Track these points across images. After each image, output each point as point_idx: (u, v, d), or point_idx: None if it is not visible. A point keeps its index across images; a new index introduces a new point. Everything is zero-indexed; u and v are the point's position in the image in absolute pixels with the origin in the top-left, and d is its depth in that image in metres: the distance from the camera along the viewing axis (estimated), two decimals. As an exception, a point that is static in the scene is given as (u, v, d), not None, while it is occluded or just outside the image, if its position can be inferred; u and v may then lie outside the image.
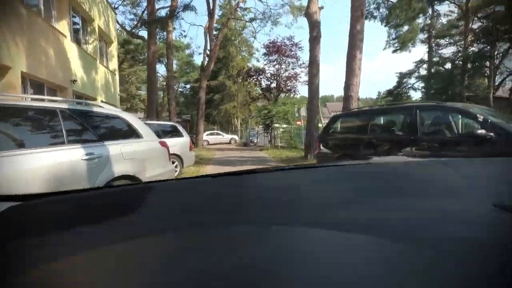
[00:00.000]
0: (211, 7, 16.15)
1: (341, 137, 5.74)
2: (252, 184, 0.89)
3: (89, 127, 2.92)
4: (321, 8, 9.32)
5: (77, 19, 11.07)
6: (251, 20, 19.35)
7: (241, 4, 18.30)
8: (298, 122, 17.00)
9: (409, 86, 22.31)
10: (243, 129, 29.50)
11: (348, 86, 7.52)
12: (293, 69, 16.77)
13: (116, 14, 16.22)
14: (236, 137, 27.37)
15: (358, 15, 7.31)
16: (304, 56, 57.33)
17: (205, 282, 0.36)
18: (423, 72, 22.64)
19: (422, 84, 22.42)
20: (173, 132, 7.01)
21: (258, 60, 44.76)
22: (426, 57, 22.45)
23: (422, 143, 4.18)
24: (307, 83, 17.20)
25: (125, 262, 0.43)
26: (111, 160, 2.97)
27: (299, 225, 0.53)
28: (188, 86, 39.81)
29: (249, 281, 0.36)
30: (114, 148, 3.06)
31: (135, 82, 32.30)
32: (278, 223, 0.55)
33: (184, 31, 31.93)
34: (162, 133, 6.74)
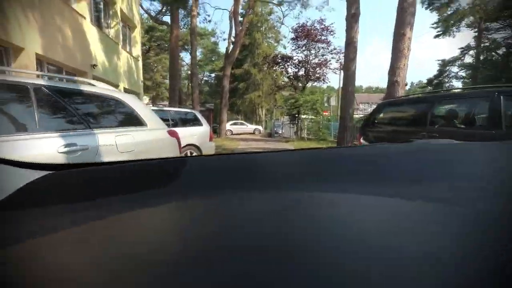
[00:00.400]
0: (237, -11, 15.22)
1: (389, 130, 4.74)
2: (271, 161, 0.86)
3: (73, 110, 2.24)
4: (361, -20, 8.13)
5: (98, 1, 10.65)
6: (279, 3, 18.20)
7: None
8: (325, 113, 15.89)
9: (453, 74, 20.15)
10: (267, 120, 28.60)
11: (394, 69, 6.39)
12: (323, 55, 15.54)
13: (140, -2, 15.78)
14: (260, 127, 26.59)
15: (409, -17, 6.11)
16: (336, 41, 53.99)
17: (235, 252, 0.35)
18: (468, 59, 20.39)
19: (465, 73, 20.22)
20: (192, 121, 6.32)
21: (285, 47, 42.87)
22: (473, 43, 20.13)
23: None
24: (337, 70, 15.96)
25: (145, 231, 0.44)
26: (100, 154, 2.28)
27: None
28: (213, 75, 39.45)
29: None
30: (106, 137, 2.36)
31: (160, 71, 32.31)
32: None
33: (208, 15, 31.19)
34: (179, 121, 6.09)
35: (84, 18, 8.88)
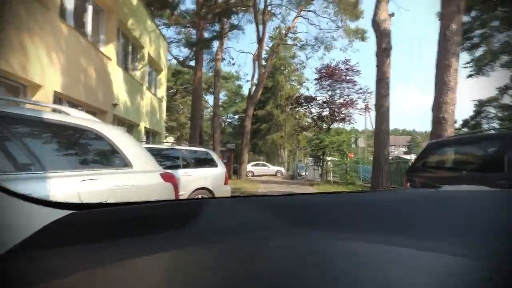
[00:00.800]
0: (261, 34, 15.62)
1: (446, 176, 3.77)
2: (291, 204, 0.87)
3: (23, 145, 1.62)
4: (391, 15, 7.75)
5: (126, 44, 11.07)
6: (302, 47, 18.50)
7: (292, 30, 17.56)
8: (350, 155, 14.85)
9: (492, 115, 18.68)
10: (290, 161, 27.73)
11: (439, 105, 5.54)
12: (348, 95, 15.01)
13: (168, 43, 16.59)
14: (282, 169, 25.69)
15: (453, 10, 5.51)
16: (362, 81, 52.34)
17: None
18: (507, 100, 18.97)
19: (502, 114, 18.68)
20: (207, 161, 5.68)
21: (308, 89, 43.16)
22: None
23: None
24: (363, 111, 15.25)
25: (163, 275, 0.45)
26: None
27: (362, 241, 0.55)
28: (236, 116, 40.14)
29: None
30: (66, 183, 1.70)
31: (186, 112, 33.31)
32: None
33: (232, 58, 32.66)
34: (192, 161, 5.47)
35: (110, 59, 9.07)
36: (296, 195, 0.98)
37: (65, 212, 0.65)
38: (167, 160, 5.03)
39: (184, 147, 5.72)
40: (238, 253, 0.51)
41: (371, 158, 14.56)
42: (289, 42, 19.56)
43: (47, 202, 0.67)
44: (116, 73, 9.55)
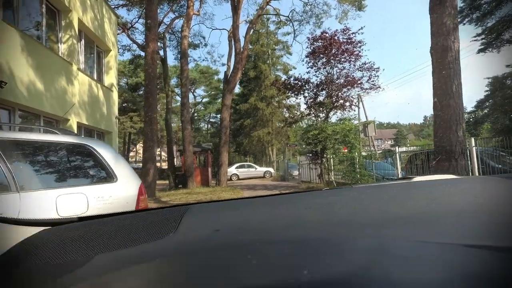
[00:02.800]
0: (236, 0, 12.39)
1: None
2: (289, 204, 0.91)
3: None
4: None
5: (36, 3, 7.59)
6: (288, 19, 15.32)
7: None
8: (344, 149, 11.84)
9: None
10: (279, 160, 24.62)
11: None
12: (348, 74, 11.89)
13: (118, 18, 13.10)
14: (271, 169, 22.54)
15: None
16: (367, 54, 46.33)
17: None
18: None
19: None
20: (87, 169, 2.35)
21: (294, 68, 38.74)
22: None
23: None
24: (371, 91, 12.23)
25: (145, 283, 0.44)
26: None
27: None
28: (219, 116, 36.77)
29: None
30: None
31: (160, 111, 29.64)
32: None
33: (203, 37, 28.21)
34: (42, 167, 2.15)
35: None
36: (279, 195, 1.11)
37: (37, 229, 0.66)
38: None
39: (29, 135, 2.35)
40: (224, 261, 0.48)
41: (374, 153, 11.61)
42: (272, 12, 16.37)
43: (17, 221, 0.67)
44: (8, 36, 6.10)
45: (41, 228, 0.66)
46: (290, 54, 28.82)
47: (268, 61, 26.31)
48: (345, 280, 0.37)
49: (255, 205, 0.90)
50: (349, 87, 11.73)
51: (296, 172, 20.00)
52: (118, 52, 14.54)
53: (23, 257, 0.56)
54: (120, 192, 2.10)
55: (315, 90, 12.39)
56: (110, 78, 11.52)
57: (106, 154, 2.13)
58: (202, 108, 37.57)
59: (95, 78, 10.43)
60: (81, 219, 0.74)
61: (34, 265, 0.52)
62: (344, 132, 10.11)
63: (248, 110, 25.32)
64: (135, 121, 25.86)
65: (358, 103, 19.04)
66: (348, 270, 0.40)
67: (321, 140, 10.68)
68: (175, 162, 14.74)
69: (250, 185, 14.46)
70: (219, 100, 34.15)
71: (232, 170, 21.04)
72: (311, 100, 12.27)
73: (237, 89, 29.60)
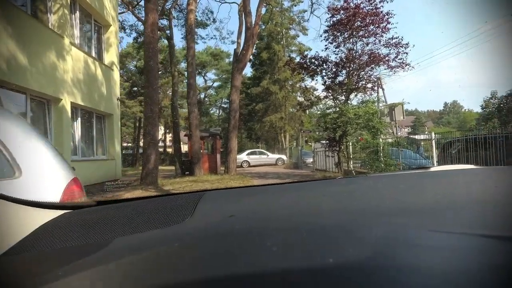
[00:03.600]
0: (247, -31, 11.12)
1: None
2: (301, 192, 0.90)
3: None
4: None
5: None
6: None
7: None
8: (360, 138, 10.67)
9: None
10: (292, 147, 23.56)
11: None
12: (370, 52, 10.52)
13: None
14: (284, 156, 21.55)
15: None
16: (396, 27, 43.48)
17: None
18: None
19: None
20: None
21: (308, 49, 34.29)
22: None
23: None
24: (399, 69, 10.85)
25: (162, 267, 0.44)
26: None
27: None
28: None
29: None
30: None
31: (169, 95, 28.83)
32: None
33: (211, 12, 25.01)
34: None
35: None
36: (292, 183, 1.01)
37: (58, 213, 0.68)
38: None
39: None
40: (239, 246, 0.48)
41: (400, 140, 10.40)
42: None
43: (39, 204, 0.67)
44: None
45: (61, 212, 0.68)
46: (306, 34, 27.07)
47: (282, 42, 24.80)
48: (359, 266, 0.37)
49: (270, 192, 0.92)
50: (373, 65, 10.41)
51: (309, 160, 19.01)
52: (125, 32, 13.61)
53: (48, 239, 0.57)
54: (24, 193, 1.21)
55: (334, 69, 11.13)
56: (111, 56, 10.64)
57: (6, 132, 1.26)
58: (214, 93, 36.50)
59: (93, 55, 9.56)
60: (99, 203, 0.77)
61: (59, 247, 0.54)
62: (368, 116, 8.92)
63: (260, 94, 24.13)
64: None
65: (378, 86, 17.57)
66: (363, 257, 0.40)
67: (340, 125, 9.54)
68: (181, 147, 13.95)
69: (261, 173, 13.56)
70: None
71: (243, 156, 20.22)
72: (330, 79, 11.02)
73: (249, 72, 28.35)
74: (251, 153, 20.80)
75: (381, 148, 9.06)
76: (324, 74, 11.33)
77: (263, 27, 24.70)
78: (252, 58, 26.51)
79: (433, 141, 6.94)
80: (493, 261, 0.38)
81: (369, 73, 10.57)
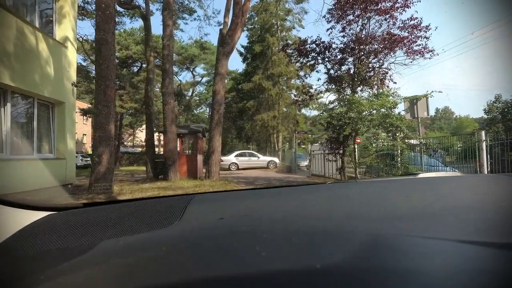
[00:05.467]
0: None
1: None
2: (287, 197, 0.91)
3: None
4: None
5: None
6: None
7: None
8: (357, 140, 8.86)
9: None
10: (285, 149, 21.69)
11: None
12: (383, 34, 8.68)
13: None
14: (276, 159, 19.63)
15: None
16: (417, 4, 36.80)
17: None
18: None
19: None
20: None
21: (302, 27, 30.44)
22: None
23: None
24: (419, 56, 9.03)
25: (146, 268, 0.43)
26: None
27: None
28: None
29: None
30: None
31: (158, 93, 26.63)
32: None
33: None
34: None
35: None
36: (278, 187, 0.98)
37: (43, 214, 0.66)
38: None
39: None
40: (227, 249, 0.48)
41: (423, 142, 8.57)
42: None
43: (23, 204, 0.66)
44: None
45: (46, 213, 0.66)
46: (303, 27, 25.26)
47: (276, 34, 22.92)
48: (346, 271, 0.37)
49: (260, 196, 0.92)
50: (388, 51, 8.56)
51: (304, 163, 17.19)
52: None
53: (32, 240, 0.56)
54: None
55: (339, 56, 9.26)
56: (64, 29, 8.51)
57: None
58: (204, 90, 34.22)
59: (36, 24, 7.45)
60: (86, 205, 0.76)
61: (43, 249, 0.52)
62: (385, 111, 7.04)
63: (251, 90, 22.15)
64: (125, 100, 22.90)
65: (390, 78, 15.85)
66: (349, 262, 0.40)
67: (348, 122, 7.64)
68: (155, 146, 11.85)
69: (250, 178, 11.59)
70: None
71: (231, 158, 18.26)
72: (336, 67, 9.13)
73: (240, 68, 26.37)
74: (240, 155, 18.81)
75: (399, 152, 7.18)
76: (327, 61, 9.44)
77: (256, 18, 22.83)
78: (244, 51, 24.57)
79: (483, 143, 5.07)
80: (478, 267, 0.38)
81: (382, 61, 8.70)
